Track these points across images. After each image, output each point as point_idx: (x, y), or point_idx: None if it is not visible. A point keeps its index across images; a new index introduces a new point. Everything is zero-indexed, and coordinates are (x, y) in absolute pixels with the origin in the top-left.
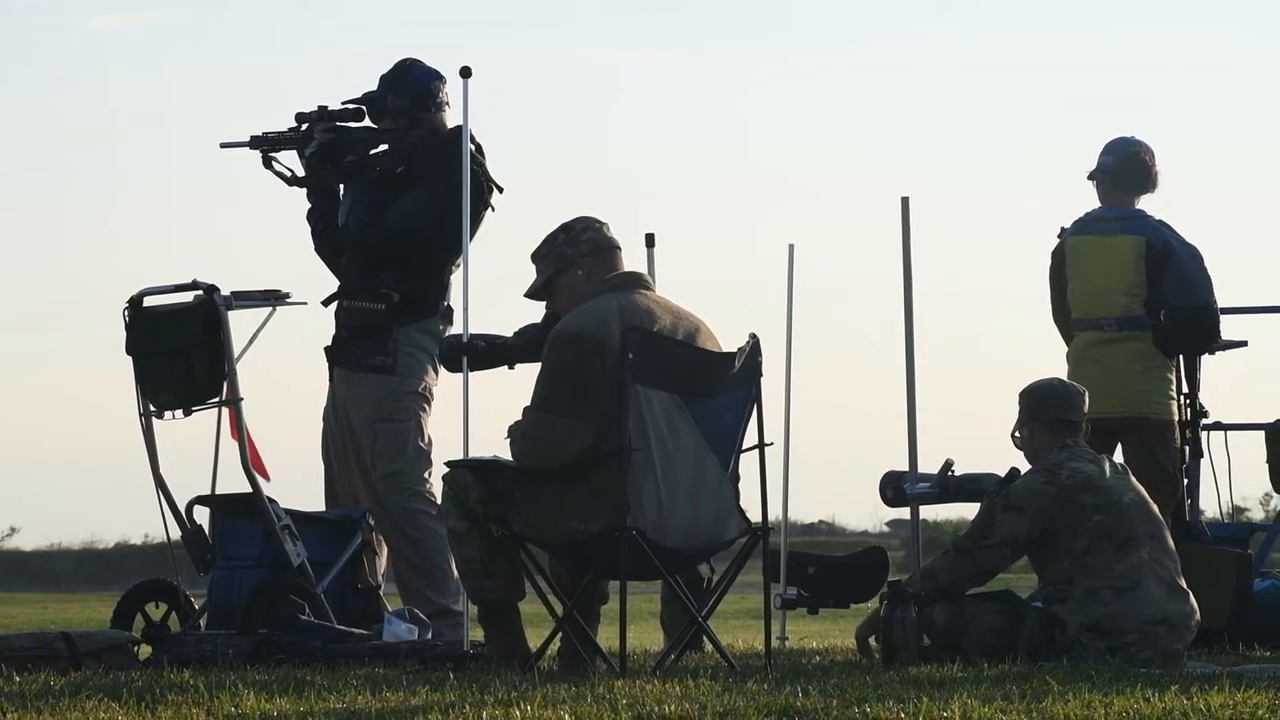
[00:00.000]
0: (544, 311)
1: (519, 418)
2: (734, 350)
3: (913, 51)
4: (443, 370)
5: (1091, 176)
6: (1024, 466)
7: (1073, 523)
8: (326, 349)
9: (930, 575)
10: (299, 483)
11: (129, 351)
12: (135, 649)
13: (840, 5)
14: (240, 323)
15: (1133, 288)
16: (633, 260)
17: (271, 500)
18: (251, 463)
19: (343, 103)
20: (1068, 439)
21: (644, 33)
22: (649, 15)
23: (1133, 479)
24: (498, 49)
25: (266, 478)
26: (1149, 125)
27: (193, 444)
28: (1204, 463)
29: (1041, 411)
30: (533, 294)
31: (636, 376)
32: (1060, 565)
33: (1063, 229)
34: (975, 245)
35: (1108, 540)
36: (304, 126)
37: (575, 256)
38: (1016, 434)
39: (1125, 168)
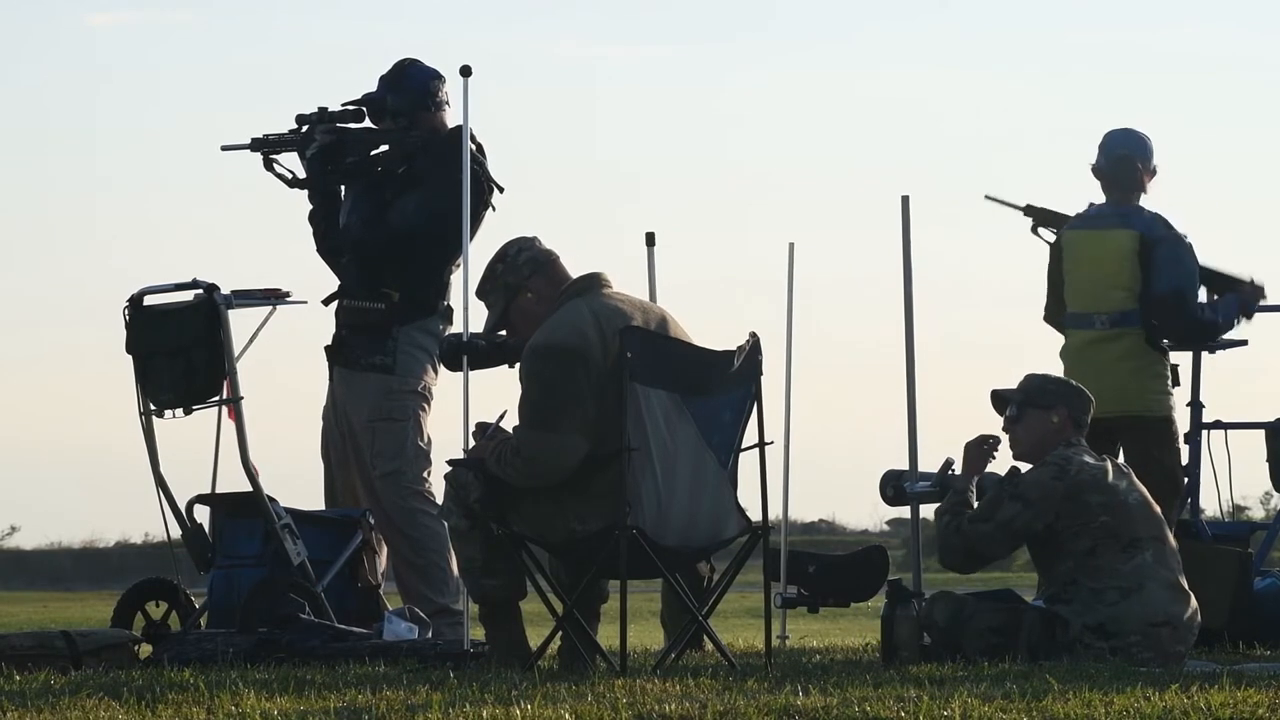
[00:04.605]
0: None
1: (501, 440)
2: (733, 348)
3: (915, 50)
4: (442, 370)
5: (1093, 170)
6: (1017, 464)
7: (1078, 522)
8: (326, 348)
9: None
10: (299, 482)
11: (129, 350)
12: (135, 648)
13: (839, 3)
14: (240, 322)
15: (1126, 283)
16: (633, 259)
17: (272, 499)
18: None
19: (343, 104)
20: (1073, 439)
21: (644, 29)
22: (650, 12)
23: (1135, 479)
24: (496, 47)
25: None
26: (1150, 125)
27: (193, 443)
28: (1204, 461)
29: (1080, 414)
30: (491, 330)
31: (635, 375)
32: (1064, 566)
33: (1062, 223)
34: (975, 245)
35: (1113, 541)
36: (304, 128)
37: (520, 282)
38: (1030, 414)
39: (1116, 170)
